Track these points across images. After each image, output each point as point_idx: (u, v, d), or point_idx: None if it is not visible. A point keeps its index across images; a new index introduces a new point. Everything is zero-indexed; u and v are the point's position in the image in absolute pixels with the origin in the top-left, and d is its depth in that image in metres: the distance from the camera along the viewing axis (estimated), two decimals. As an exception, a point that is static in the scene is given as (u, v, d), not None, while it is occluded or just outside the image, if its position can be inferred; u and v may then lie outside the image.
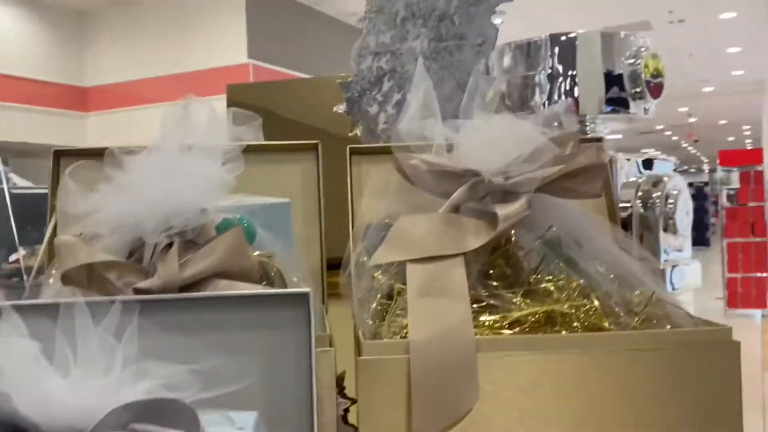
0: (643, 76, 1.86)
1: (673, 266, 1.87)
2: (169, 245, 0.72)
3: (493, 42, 1.45)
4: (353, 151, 0.96)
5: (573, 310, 0.67)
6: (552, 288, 0.69)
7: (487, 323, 0.67)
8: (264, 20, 7.97)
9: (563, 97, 1.91)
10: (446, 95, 1.44)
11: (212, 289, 0.69)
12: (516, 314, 0.67)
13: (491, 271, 0.75)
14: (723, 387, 0.66)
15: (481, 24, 1.46)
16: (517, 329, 0.67)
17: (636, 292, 0.72)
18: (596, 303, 0.69)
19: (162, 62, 8.42)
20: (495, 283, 0.72)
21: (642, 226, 1.85)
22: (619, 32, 1.92)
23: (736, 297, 7.59)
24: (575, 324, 0.67)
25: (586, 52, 1.91)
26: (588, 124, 1.98)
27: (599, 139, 0.99)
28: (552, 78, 1.91)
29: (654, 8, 8.82)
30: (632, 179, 1.85)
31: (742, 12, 8.97)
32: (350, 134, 1.50)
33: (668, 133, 18.54)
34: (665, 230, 1.81)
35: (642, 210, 1.82)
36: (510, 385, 0.63)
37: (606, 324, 0.67)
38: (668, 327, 0.71)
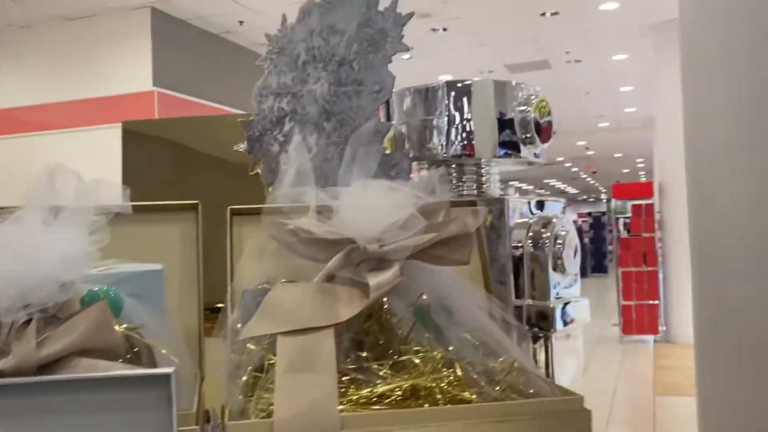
0: (532, 122, 1.95)
1: (565, 303, 1.95)
2: (29, 321, 0.69)
3: (389, 89, 1.49)
4: (234, 212, 0.96)
5: (436, 383, 0.69)
6: (417, 360, 0.71)
7: (354, 398, 0.68)
8: (170, 48, 7.83)
9: (459, 140, 1.97)
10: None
11: (73, 368, 0.67)
12: (381, 388, 0.68)
13: (364, 340, 0.76)
14: (577, 452, 0.69)
15: (379, 72, 1.49)
16: (384, 403, 0.68)
17: (499, 360, 0.74)
18: (459, 373, 0.71)
19: (63, 87, 8.09)
20: (366, 354, 0.73)
21: (533, 265, 1.92)
22: (511, 81, 2.02)
23: (631, 324, 7.99)
24: (438, 396, 0.69)
25: (480, 98, 1.98)
26: (483, 166, 2.05)
27: (473, 203, 1.03)
28: (449, 122, 1.97)
29: (552, 49, 9.29)
30: (524, 220, 1.92)
31: (633, 54, 9.60)
32: (251, 173, 1.50)
33: (568, 164, 19.45)
34: (555, 269, 1.89)
35: (532, 250, 1.89)
36: (375, 460, 0.64)
37: (468, 395, 0.70)
38: (531, 391, 0.74)
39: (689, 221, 1.60)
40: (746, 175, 1.31)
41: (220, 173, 1.98)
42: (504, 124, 1.93)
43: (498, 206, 1.83)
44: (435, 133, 1.96)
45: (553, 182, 23.87)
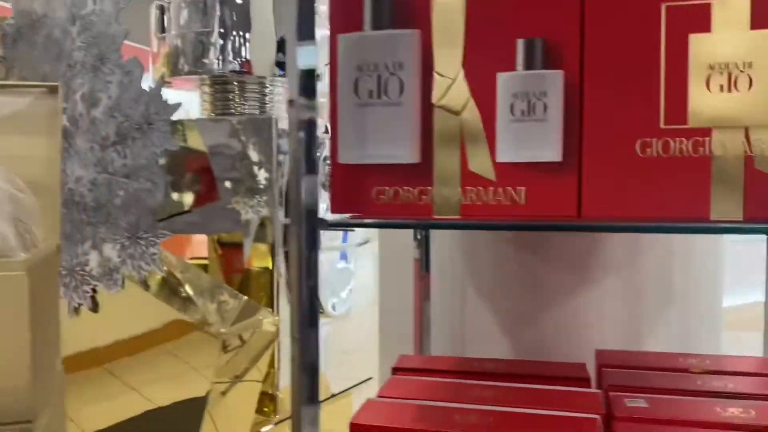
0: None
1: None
2: None
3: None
4: None
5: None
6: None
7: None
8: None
9: (236, 56, 1.95)
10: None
11: None
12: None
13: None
14: None
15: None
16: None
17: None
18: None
19: None
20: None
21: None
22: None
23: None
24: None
25: (259, 15, 1.96)
26: (267, 85, 2.04)
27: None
28: (225, 36, 1.93)
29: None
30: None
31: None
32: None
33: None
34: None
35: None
36: None
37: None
38: None
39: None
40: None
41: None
42: (282, 45, 1.93)
43: (266, 125, 1.84)
44: (211, 48, 1.92)
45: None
